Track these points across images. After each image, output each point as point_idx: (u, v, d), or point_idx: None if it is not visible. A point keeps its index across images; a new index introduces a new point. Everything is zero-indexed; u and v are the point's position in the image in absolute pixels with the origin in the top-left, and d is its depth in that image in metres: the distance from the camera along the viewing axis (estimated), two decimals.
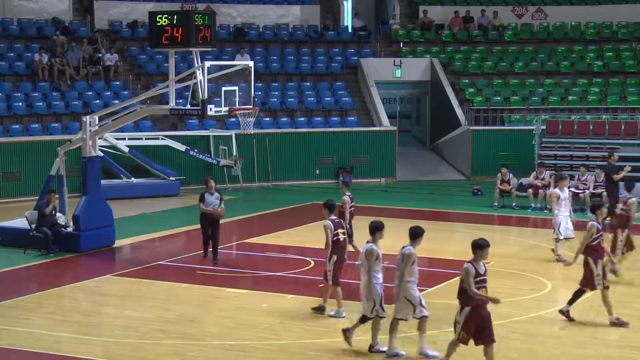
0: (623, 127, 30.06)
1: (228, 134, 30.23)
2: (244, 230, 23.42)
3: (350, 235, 17.08)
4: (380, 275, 12.97)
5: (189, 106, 19.85)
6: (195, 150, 29.79)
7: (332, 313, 14.85)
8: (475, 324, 11.71)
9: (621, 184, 24.33)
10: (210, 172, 28.07)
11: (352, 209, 18.30)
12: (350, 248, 16.33)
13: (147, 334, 14.01)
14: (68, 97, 31.06)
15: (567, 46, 37.77)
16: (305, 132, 32.20)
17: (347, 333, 13.18)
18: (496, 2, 39.79)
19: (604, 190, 24.90)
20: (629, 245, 17.86)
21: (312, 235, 21.09)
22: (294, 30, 37.83)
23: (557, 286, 17.36)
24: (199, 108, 18.79)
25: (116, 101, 29.53)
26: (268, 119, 32.55)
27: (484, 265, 11.82)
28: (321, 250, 15.32)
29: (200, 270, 18.51)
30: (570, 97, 34.71)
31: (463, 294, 11.75)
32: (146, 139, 29.65)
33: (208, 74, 18.57)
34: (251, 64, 19.72)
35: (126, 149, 28.33)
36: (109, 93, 31.63)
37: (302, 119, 33.12)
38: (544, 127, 30.49)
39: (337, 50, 37.06)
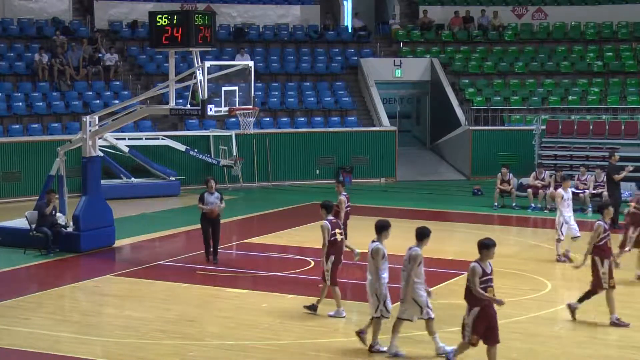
0: (623, 127, 30.05)
1: (228, 134, 30.23)
2: (244, 230, 23.43)
3: (344, 235, 17.07)
4: (385, 275, 12.96)
5: (189, 106, 19.85)
6: (195, 150, 29.79)
7: (332, 313, 14.85)
8: (485, 325, 11.68)
9: (623, 184, 24.43)
10: (210, 172, 28.06)
11: (348, 208, 18.31)
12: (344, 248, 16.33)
13: (147, 334, 14.01)
14: (68, 97, 31.06)
15: (567, 46, 37.77)
16: (305, 132, 32.21)
17: (361, 335, 13.14)
18: (496, 2, 39.80)
19: (604, 190, 24.89)
20: (638, 244, 17.81)
21: (312, 235, 21.07)
22: (294, 30, 37.83)
23: (557, 286, 17.38)
24: (199, 108, 18.79)
25: (116, 101, 29.53)
26: (268, 119, 32.55)
27: (490, 264, 11.81)
28: (321, 250, 15.31)
29: (200, 270, 18.51)
30: (570, 97, 34.72)
31: (470, 294, 11.71)
32: (146, 139, 29.66)
33: (208, 74, 18.57)
34: (251, 64, 19.72)
35: (126, 149, 28.34)
36: (109, 93, 31.63)
37: (302, 119, 33.12)
38: (544, 127, 30.48)
39: (337, 50, 37.06)
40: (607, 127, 30.13)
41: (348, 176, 31.37)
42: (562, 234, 19.23)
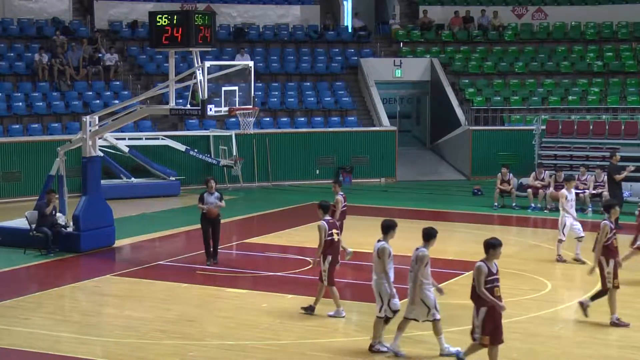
0: (623, 127, 30.02)
1: (228, 134, 30.22)
2: (244, 230, 23.42)
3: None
4: (390, 274, 12.95)
5: (189, 106, 19.84)
6: (195, 150, 29.79)
7: (332, 313, 14.85)
8: (493, 324, 11.66)
9: (624, 184, 24.43)
10: (210, 172, 28.05)
11: (345, 208, 18.32)
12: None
13: (147, 334, 14.01)
14: (68, 97, 31.06)
15: (567, 46, 37.77)
16: (305, 132, 32.20)
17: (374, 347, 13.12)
18: (496, 2, 39.79)
19: (604, 190, 24.89)
20: None
21: (312, 235, 20.93)
22: (294, 30, 37.83)
23: (557, 286, 17.37)
24: (199, 108, 18.78)
25: (116, 101, 29.53)
26: (268, 119, 32.55)
27: (496, 264, 11.81)
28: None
29: (200, 270, 18.50)
30: (570, 97, 34.71)
31: (477, 294, 11.71)
32: (146, 139, 29.64)
33: (208, 74, 18.57)
34: (251, 64, 19.71)
35: (126, 149, 28.33)
36: (109, 93, 31.62)
37: (302, 119, 33.12)
38: (544, 127, 30.47)
39: (337, 50, 37.06)
40: (607, 127, 30.12)
41: (348, 176, 31.37)
42: (564, 234, 19.22)
